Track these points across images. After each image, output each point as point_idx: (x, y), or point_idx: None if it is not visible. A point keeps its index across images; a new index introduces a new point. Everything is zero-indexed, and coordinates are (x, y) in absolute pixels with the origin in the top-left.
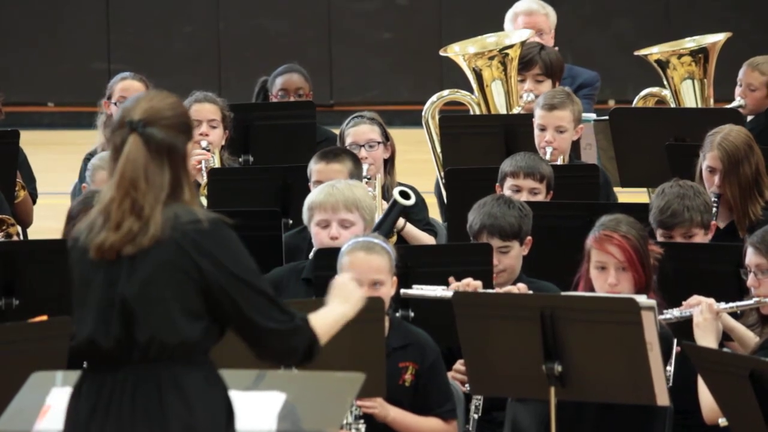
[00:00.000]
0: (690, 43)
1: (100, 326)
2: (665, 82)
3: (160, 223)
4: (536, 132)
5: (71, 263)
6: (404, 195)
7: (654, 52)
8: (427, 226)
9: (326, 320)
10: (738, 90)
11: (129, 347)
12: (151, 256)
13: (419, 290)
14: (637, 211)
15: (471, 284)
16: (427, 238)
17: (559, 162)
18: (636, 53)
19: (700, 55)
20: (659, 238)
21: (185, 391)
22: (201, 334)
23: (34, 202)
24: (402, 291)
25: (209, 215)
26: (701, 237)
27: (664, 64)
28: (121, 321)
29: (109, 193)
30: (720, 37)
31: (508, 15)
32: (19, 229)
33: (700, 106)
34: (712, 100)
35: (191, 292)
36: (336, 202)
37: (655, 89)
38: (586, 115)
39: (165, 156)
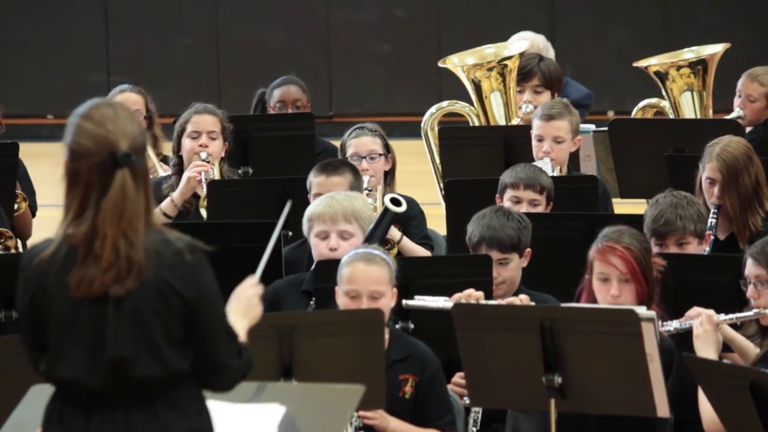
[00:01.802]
0: (689, 54)
1: (86, 367)
2: (664, 94)
3: (144, 261)
4: (534, 142)
5: (40, 296)
6: (395, 202)
7: (653, 63)
8: (424, 240)
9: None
10: (737, 101)
11: (120, 386)
12: (137, 298)
13: (421, 301)
14: (639, 222)
15: (473, 295)
16: (422, 253)
17: (557, 173)
18: (635, 65)
19: (699, 66)
20: (654, 248)
21: (181, 410)
22: (189, 362)
23: (34, 214)
24: (403, 302)
25: (186, 243)
26: (695, 246)
27: (663, 76)
28: (112, 364)
29: (86, 225)
30: (719, 49)
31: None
32: (19, 242)
33: (699, 117)
34: (710, 111)
35: (177, 325)
36: (335, 214)
37: (653, 100)
38: (585, 127)
39: (142, 183)
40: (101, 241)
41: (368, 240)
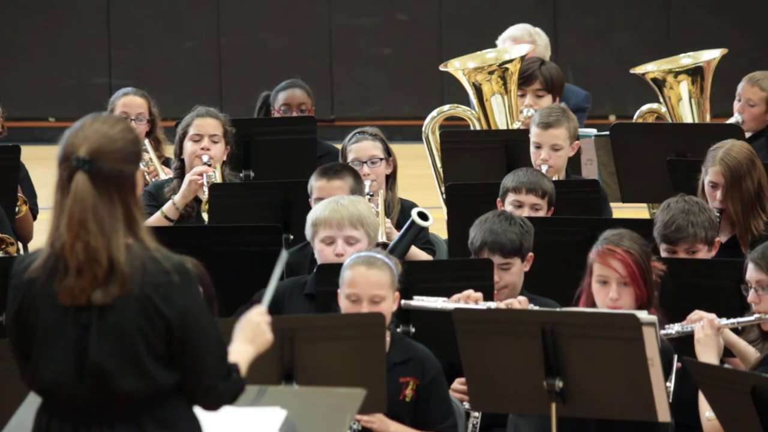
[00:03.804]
0: (686, 59)
1: (70, 378)
2: (662, 101)
3: (127, 268)
4: (532, 149)
5: (27, 306)
6: (422, 216)
7: (649, 69)
8: (426, 244)
9: (243, 364)
10: (737, 105)
11: (105, 399)
12: (121, 312)
13: (420, 301)
14: (639, 226)
15: (472, 296)
16: (424, 257)
17: (555, 179)
18: (632, 71)
19: (697, 74)
20: (663, 253)
21: (169, 427)
22: (176, 378)
23: (35, 217)
24: (402, 302)
25: (174, 263)
26: (704, 253)
27: (660, 83)
28: (94, 374)
29: (61, 233)
30: (715, 54)
31: (498, 40)
32: (20, 245)
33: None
34: (708, 116)
35: (160, 343)
36: (341, 219)
37: (654, 105)
38: (586, 131)
39: (114, 190)
40: (65, 247)
41: (391, 253)
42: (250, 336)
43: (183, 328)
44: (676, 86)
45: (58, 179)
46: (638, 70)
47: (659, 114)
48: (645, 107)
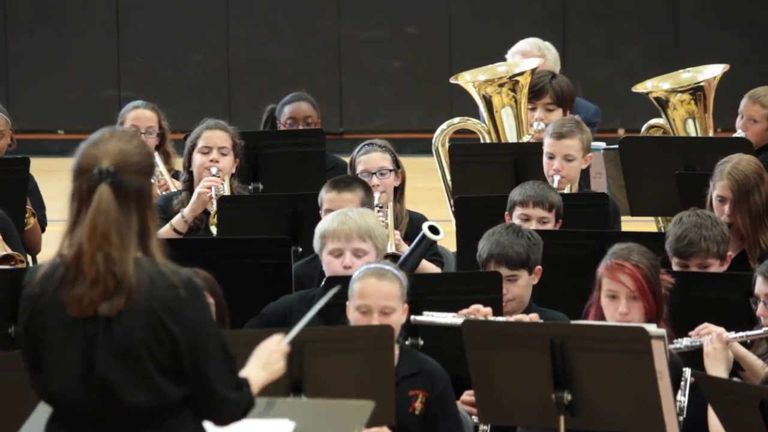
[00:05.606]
0: (686, 74)
1: (77, 389)
2: (667, 122)
3: (134, 282)
4: (545, 159)
5: (36, 316)
6: (433, 230)
7: (650, 87)
8: (434, 257)
9: (253, 385)
10: (739, 121)
11: (114, 412)
12: (127, 325)
13: (429, 317)
14: (648, 240)
15: (481, 310)
16: (432, 270)
17: (567, 191)
18: (634, 90)
19: (699, 92)
20: (675, 267)
21: None
22: (184, 392)
23: (43, 229)
24: (412, 317)
25: (182, 277)
26: (717, 267)
27: (663, 103)
28: (101, 390)
29: (75, 244)
30: (717, 72)
31: (508, 54)
32: (30, 259)
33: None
34: (711, 131)
35: (166, 357)
36: (349, 231)
37: (660, 121)
38: (595, 144)
39: (133, 203)
40: (82, 257)
41: (401, 266)
42: (263, 362)
43: (190, 342)
44: (680, 106)
45: (76, 191)
46: (640, 88)
47: (664, 129)
48: (651, 122)
